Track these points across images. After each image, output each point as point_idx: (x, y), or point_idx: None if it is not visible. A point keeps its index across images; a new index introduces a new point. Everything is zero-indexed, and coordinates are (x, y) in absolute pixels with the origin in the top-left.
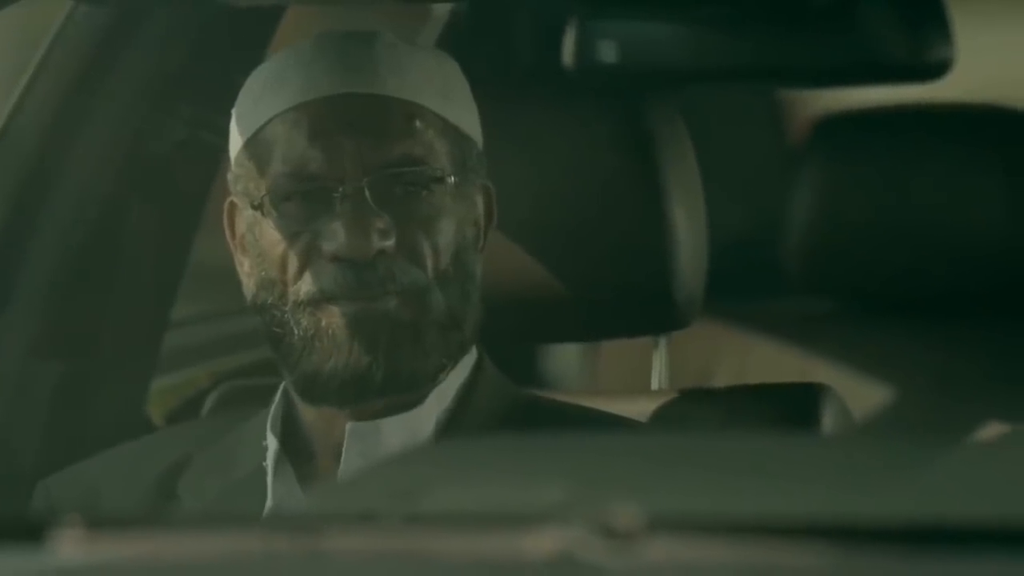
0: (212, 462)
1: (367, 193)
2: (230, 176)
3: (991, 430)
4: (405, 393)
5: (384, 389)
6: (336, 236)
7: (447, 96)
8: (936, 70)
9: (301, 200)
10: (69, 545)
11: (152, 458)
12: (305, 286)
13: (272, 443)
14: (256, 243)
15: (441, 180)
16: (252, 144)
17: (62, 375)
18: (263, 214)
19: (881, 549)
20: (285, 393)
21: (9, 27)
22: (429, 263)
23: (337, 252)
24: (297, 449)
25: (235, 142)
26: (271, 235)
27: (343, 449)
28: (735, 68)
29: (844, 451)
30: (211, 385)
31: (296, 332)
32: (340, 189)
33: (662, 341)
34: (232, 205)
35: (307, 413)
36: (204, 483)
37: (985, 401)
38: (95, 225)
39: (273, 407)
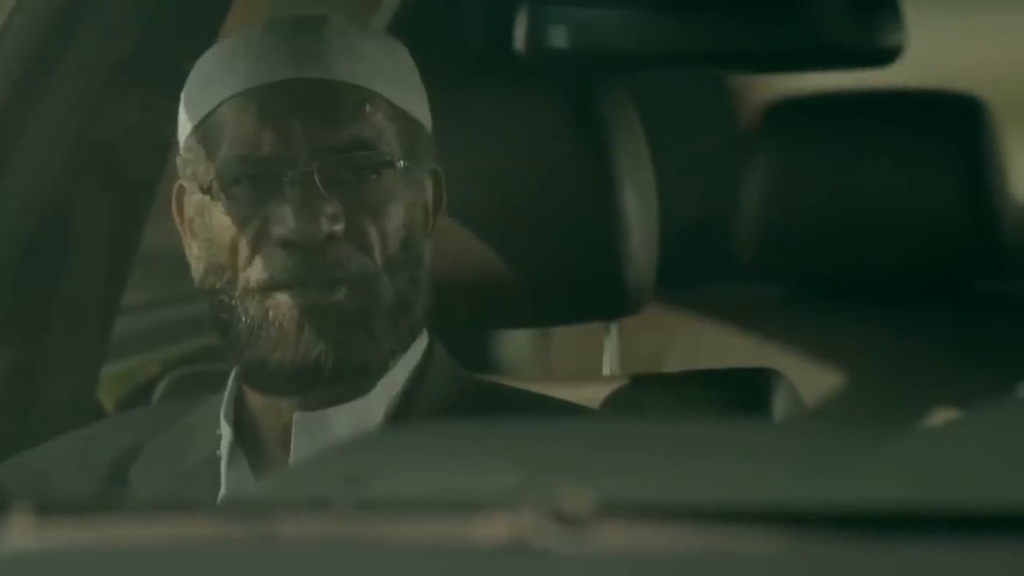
0: (164, 449)
1: (316, 177)
2: (179, 160)
3: (942, 415)
4: (354, 381)
5: (333, 378)
6: (285, 220)
7: (397, 81)
8: (886, 56)
9: (250, 184)
10: (19, 532)
11: (103, 445)
12: (255, 273)
13: (226, 432)
14: (205, 227)
15: (390, 165)
16: (201, 128)
17: (11, 362)
18: (212, 198)
19: (832, 534)
20: (237, 379)
21: None
22: (378, 249)
23: (286, 236)
24: (249, 437)
25: (184, 127)
26: (220, 219)
27: (292, 439)
28: (686, 53)
29: (794, 436)
30: (162, 372)
31: (244, 319)
32: (289, 173)
33: (613, 327)
34: (181, 189)
35: (256, 400)
36: (156, 470)
37: (936, 386)
38: (44, 211)
39: (226, 394)
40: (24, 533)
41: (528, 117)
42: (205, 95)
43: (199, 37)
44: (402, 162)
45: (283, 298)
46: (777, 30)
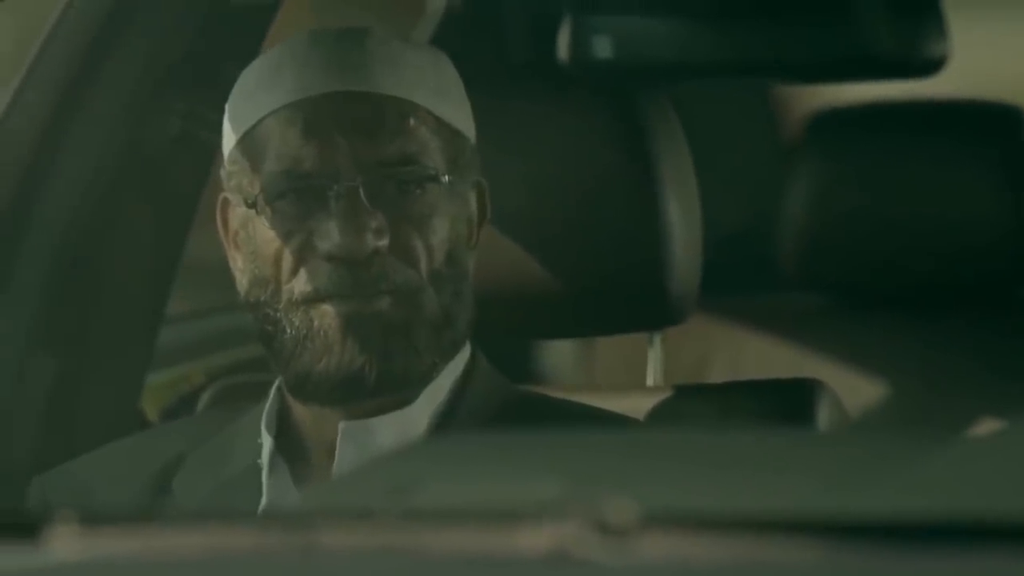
0: (207, 459)
1: (361, 192)
2: (223, 173)
3: (985, 425)
4: (398, 393)
5: (377, 389)
6: (331, 235)
7: (441, 93)
8: (930, 66)
9: (295, 198)
10: (63, 542)
11: (147, 455)
12: (299, 285)
13: (267, 441)
14: (250, 240)
15: (435, 178)
16: (245, 141)
17: (56, 372)
18: (257, 212)
19: (876, 544)
20: (279, 390)
21: (7, 20)
22: (422, 262)
23: (332, 251)
24: (292, 447)
25: (228, 139)
26: (265, 233)
27: (337, 448)
28: (730, 63)
29: (838, 446)
30: (205, 382)
31: (288, 331)
32: (334, 188)
33: (657, 337)
34: (225, 201)
35: (300, 411)
36: (199, 480)
37: (979, 396)
38: (89, 220)
39: (268, 404)
40: (68, 543)
41: (571, 127)
42: (249, 107)
43: (243, 48)
44: (447, 176)
45: (327, 308)
46: (821, 40)
